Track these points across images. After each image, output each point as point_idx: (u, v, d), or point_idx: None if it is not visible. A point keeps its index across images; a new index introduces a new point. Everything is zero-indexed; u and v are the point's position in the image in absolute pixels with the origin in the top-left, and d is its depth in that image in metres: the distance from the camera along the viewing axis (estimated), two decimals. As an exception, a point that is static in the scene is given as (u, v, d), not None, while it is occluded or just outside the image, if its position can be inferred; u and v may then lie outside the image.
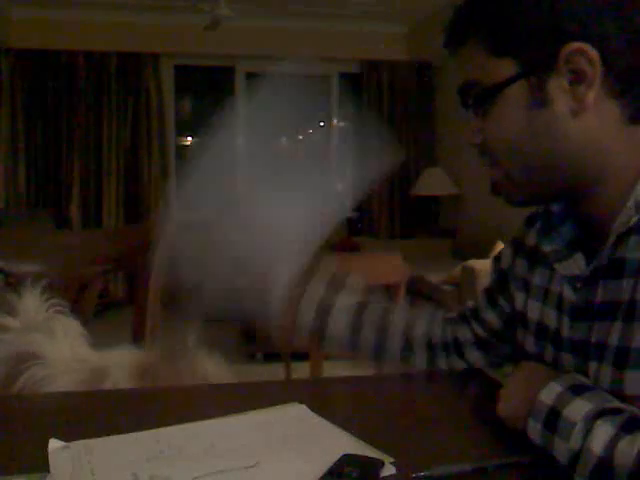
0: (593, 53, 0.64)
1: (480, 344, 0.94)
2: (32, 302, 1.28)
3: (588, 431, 0.59)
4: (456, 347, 0.96)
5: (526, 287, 0.83)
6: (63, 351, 1.17)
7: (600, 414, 0.59)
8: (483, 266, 3.61)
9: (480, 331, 0.94)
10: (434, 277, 4.43)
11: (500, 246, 4.20)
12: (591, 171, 0.68)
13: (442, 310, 1.02)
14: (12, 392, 1.09)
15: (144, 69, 5.75)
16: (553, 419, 0.62)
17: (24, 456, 0.69)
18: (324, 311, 0.95)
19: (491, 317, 0.93)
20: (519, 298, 0.85)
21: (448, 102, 6.04)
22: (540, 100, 0.67)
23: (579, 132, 0.67)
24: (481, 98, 0.71)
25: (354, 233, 6.27)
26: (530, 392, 0.67)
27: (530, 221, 0.86)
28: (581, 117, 0.66)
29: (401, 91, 6.23)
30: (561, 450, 0.61)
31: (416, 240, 5.92)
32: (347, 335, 0.96)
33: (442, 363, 0.97)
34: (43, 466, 0.64)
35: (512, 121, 0.69)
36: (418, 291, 4.49)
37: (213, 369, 1.12)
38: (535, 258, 0.82)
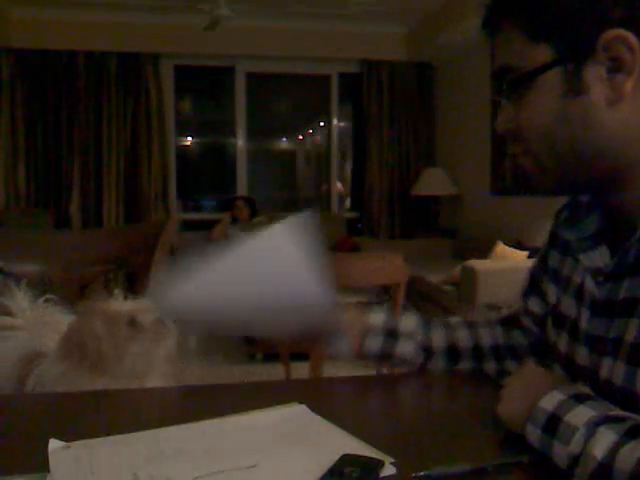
0: (634, 40, 0.62)
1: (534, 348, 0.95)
2: (23, 301, 1.28)
3: (590, 436, 0.58)
4: (514, 352, 0.97)
5: (558, 279, 0.83)
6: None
7: (603, 421, 0.59)
8: (483, 266, 3.61)
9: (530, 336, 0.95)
10: (434, 277, 4.43)
11: (500, 246, 4.17)
12: (624, 162, 0.67)
13: (494, 313, 1.03)
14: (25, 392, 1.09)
15: (144, 69, 5.75)
16: (553, 424, 0.62)
17: (24, 456, 0.69)
18: (391, 335, 0.97)
19: (528, 322, 0.94)
20: (551, 291, 0.84)
21: (448, 102, 6.04)
22: (576, 88, 0.65)
23: (615, 121, 0.65)
24: (516, 83, 0.69)
25: (354, 233, 6.27)
26: (530, 395, 0.67)
27: (560, 212, 0.85)
28: (617, 106, 0.64)
29: (401, 91, 6.23)
30: (560, 454, 0.61)
31: (416, 240, 5.92)
32: (417, 358, 0.98)
33: (511, 369, 0.97)
34: (43, 466, 0.64)
35: (547, 108, 0.67)
36: (418, 291, 4.49)
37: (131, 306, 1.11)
38: (566, 249, 0.81)
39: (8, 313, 1.27)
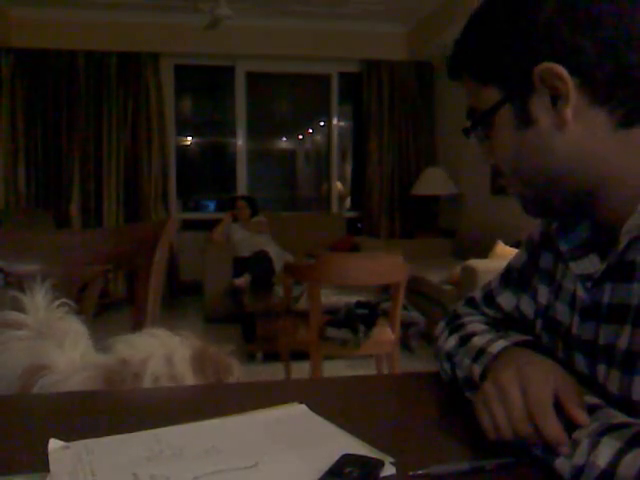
0: (561, 70, 0.65)
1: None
2: (42, 301, 1.27)
3: (593, 446, 0.58)
4: None
5: (551, 282, 0.83)
6: (74, 360, 1.16)
7: (607, 430, 0.59)
8: (483, 266, 3.61)
9: (494, 315, 0.94)
10: (434, 277, 4.43)
11: (500, 246, 4.16)
12: (590, 180, 0.70)
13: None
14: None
15: (144, 69, 5.75)
16: None
17: (24, 456, 0.69)
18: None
19: (506, 301, 0.93)
20: (542, 291, 0.85)
21: (448, 102, 6.04)
22: (526, 120, 0.70)
23: (566, 145, 0.69)
24: (479, 124, 0.76)
25: (354, 233, 6.27)
26: None
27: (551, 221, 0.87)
28: (566, 130, 0.68)
29: (401, 91, 6.24)
30: (564, 466, 0.61)
31: (416, 240, 5.93)
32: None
33: None
34: (43, 466, 0.64)
35: (506, 143, 0.73)
36: (418, 291, 4.49)
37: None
38: (558, 254, 0.82)
39: (21, 309, 1.25)
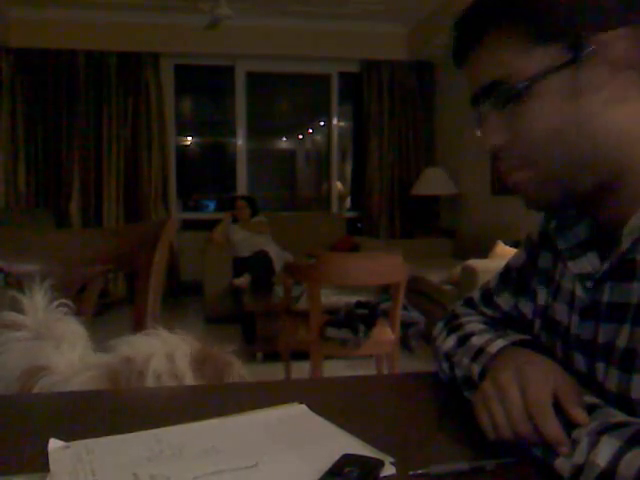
0: (635, 40, 0.61)
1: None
2: (40, 301, 1.27)
3: (593, 445, 0.58)
4: None
5: (550, 282, 0.83)
6: (72, 362, 1.16)
7: (606, 429, 0.59)
8: (483, 266, 3.61)
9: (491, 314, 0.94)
10: (434, 277, 4.43)
11: (500, 246, 4.15)
12: (612, 170, 0.66)
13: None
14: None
15: (144, 69, 5.75)
16: None
17: (24, 456, 0.69)
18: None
19: (504, 302, 0.92)
20: (541, 291, 0.84)
21: (448, 102, 6.04)
22: (581, 89, 0.63)
23: (619, 121, 0.64)
24: (511, 95, 0.66)
25: (354, 233, 6.27)
26: None
27: (549, 216, 0.83)
28: (622, 105, 0.63)
29: (401, 91, 6.23)
30: (563, 465, 0.61)
31: (416, 240, 5.93)
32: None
33: None
34: (43, 466, 0.64)
35: (551, 114, 0.65)
36: (418, 291, 4.49)
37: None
38: (557, 253, 0.81)
39: (20, 310, 1.25)
